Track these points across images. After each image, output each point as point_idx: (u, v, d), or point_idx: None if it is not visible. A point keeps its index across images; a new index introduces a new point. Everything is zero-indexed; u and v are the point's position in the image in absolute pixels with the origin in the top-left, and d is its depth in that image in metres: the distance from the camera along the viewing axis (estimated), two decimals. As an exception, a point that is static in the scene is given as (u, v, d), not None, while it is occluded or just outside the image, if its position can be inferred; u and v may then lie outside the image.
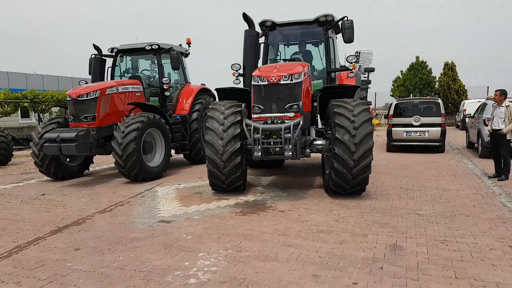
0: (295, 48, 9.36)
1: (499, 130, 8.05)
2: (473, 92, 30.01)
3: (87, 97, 8.99)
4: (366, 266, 3.90)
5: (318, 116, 7.78)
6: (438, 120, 12.66)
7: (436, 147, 13.02)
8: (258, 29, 8.51)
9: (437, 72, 32.50)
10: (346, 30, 7.54)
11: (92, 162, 10.63)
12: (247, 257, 4.20)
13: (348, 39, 7.56)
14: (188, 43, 11.67)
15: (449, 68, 31.01)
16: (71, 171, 9.66)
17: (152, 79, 11.05)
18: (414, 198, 6.76)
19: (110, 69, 10.94)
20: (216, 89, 7.99)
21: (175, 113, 11.02)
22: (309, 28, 8.55)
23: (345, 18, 7.69)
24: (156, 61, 10.76)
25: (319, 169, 9.37)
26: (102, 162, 12.66)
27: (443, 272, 3.72)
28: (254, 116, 6.80)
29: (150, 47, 10.45)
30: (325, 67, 8.46)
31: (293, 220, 5.55)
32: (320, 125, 7.75)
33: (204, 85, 12.30)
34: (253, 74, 6.92)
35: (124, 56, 11.11)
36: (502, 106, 8.13)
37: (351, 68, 7.91)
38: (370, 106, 26.31)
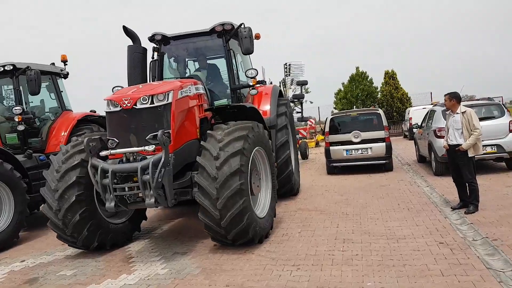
0: (200, 64, 7.62)
1: (458, 145, 6.05)
2: (417, 99, 29.16)
3: None
4: None
5: None
6: (381, 134, 10.70)
7: (382, 164, 11.05)
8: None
9: (378, 82, 31.64)
10: (244, 39, 6.45)
11: None
12: None
13: (247, 50, 6.50)
14: (64, 61, 9.00)
15: (390, 77, 30.11)
16: None
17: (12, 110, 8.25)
18: (353, 261, 4.47)
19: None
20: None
21: (46, 151, 8.25)
22: (209, 40, 7.09)
23: (242, 26, 6.58)
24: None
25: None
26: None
27: None
28: (110, 152, 5.09)
29: (2, 69, 7.74)
30: (229, 84, 6.92)
31: None
32: None
33: (95, 111, 9.61)
34: (104, 98, 5.26)
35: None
36: (457, 113, 6.16)
37: (251, 84, 6.69)
38: (313, 121, 24.66)
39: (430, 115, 10.76)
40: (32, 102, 8.65)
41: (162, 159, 4.70)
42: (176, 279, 4.48)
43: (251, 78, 6.57)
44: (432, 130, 9.56)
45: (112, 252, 5.72)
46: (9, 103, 8.18)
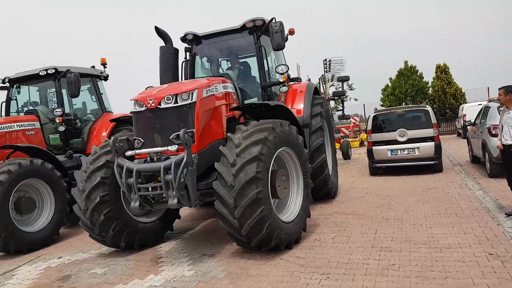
0: (232, 62, 7.53)
1: (513, 145, 5.45)
2: (472, 95, 27.20)
3: None
4: None
5: None
6: (429, 132, 9.99)
7: (431, 165, 10.33)
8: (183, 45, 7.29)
9: (429, 76, 29.98)
10: (274, 34, 6.23)
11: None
12: None
13: (278, 45, 6.28)
14: (103, 64, 9.24)
15: (442, 71, 28.44)
16: None
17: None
18: (389, 271, 4.11)
19: (4, 104, 8.55)
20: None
21: (87, 151, 8.49)
22: (240, 38, 6.96)
23: (273, 21, 6.42)
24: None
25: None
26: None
27: None
28: (135, 152, 5.07)
29: (45, 72, 8.07)
30: (260, 82, 6.75)
31: None
32: None
33: (133, 113, 9.77)
34: (131, 98, 5.36)
35: (22, 87, 8.70)
36: (513, 109, 5.55)
37: (282, 80, 6.46)
38: (357, 119, 23.83)
39: (484, 111, 9.93)
40: (75, 104, 8.98)
41: (184, 159, 4.59)
42: (201, 282, 4.37)
43: (281, 74, 6.33)
44: (486, 128, 8.79)
45: (143, 252, 5.74)
46: (52, 105, 8.50)
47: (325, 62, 17.10)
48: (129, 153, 4.99)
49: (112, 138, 5.07)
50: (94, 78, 9.09)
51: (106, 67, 9.28)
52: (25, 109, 8.58)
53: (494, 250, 4.37)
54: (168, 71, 6.78)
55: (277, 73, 6.47)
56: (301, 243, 5.33)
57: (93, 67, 9.19)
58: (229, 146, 4.78)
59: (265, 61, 6.73)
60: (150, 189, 4.84)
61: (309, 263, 4.59)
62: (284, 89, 6.54)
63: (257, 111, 5.72)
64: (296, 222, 5.22)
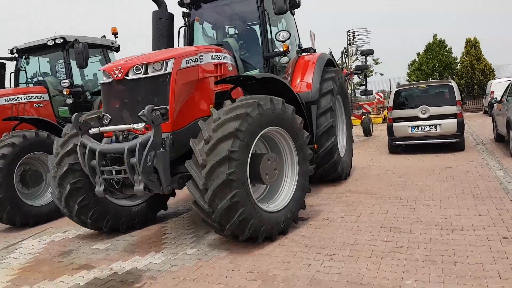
0: (235, 29, 6.92)
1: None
2: (502, 71, 25.93)
3: None
4: None
5: None
6: (452, 109, 9.47)
7: (452, 143, 9.85)
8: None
9: (458, 51, 28.66)
10: None
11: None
12: None
13: (279, 9, 5.47)
14: (114, 33, 8.98)
15: (472, 46, 27.03)
16: None
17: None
18: (395, 254, 3.88)
19: (13, 74, 8.51)
20: None
21: (98, 125, 8.42)
22: (244, 1, 6.31)
23: None
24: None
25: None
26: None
27: None
28: (99, 130, 4.56)
29: (53, 42, 7.91)
30: (262, 52, 6.07)
31: None
32: None
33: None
34: (99, 69, 4.95)
35: (32, 57, 8.61)
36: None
37: (282, 49, 5.71)
38: (381, 95, 23.05)
39: (511, 88, 9.33)
40: (87, 76, 8.84)
41: (151, 139, 4.03)
42: (201, 261, 4.23)
43: (282, 42, 5.62)
44: (511, 106, 8.24)
45: (148, 227, 5.66)
46: (61, 76, 8.34)
47: (348, 34, 16.28)
48: (92, 130, 4.48)
49: (75, 114, 4.59)
50: (105, 49, 8.88)
51: (117, 37, 9.03)
52: (34, 79, 8.52)
53: (509, 234, 4.08)
54: (162, 38, 6.11)
55: (277, 40, 5.80)
56: (308, 221, 5.15)
57: (104, 36, 8.95)
58: (208, 120, 4.24)
59: (269, 28, 6.04)
60: (114, 172, 4.32)
61: (314, 243, 4.40)
62: (285, 59, 5.88)
63: (250, 84, 5.13)
64: (285, 213, 4.69)
